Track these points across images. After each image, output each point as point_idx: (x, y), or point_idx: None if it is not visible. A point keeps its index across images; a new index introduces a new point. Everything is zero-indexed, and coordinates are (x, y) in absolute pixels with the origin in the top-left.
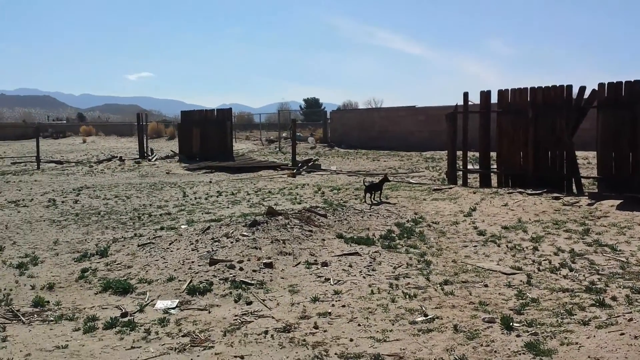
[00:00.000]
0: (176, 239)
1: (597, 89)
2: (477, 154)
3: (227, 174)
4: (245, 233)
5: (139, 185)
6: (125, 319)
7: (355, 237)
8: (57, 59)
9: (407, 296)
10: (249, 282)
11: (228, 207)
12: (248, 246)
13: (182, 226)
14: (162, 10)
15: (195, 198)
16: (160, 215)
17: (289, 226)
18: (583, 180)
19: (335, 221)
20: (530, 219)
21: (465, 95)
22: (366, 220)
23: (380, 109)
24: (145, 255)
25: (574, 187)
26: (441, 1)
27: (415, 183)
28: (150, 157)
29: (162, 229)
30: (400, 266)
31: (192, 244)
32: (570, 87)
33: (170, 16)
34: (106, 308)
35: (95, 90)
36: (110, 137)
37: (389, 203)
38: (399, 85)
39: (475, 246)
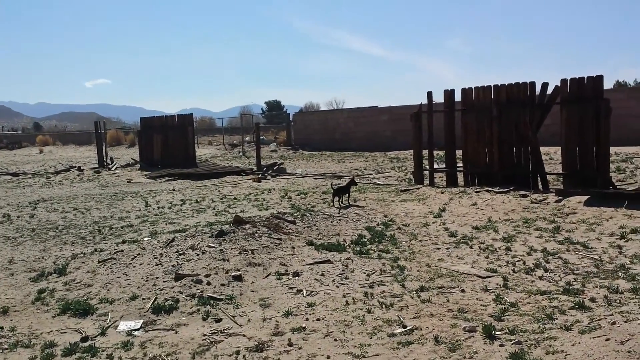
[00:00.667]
0: (139, 253)
1: (559, 85)
2: (442, 153)
3: (191, 181)
4: (211, 244)
5: (98, 196)
6: (86, 344)
7: (325, 243)
8: (9, 67)
9: (384, 306)
10: (218, 297)
11: (193, 216)
12: (215, 258)
13: (145, 239)
14: (117, 14)
15: (158, 208)
16: (122, 227)
17: (257, 235)
18: (548, 177)
19: (304, 227)
20: (500, 218)
21: (429, 94)
22: (336, 225)
23: (344, 110)
24: (106, 272)
25: (539, 183)
26: (397, 2)
27: (382, 184)
28: (110, 166)
29: (123, 242)
30: (373, 273)
31: (156, 258)
32: (533, 84)
33: (126, 21)
34: (65, 332)
35: (51, 98)
36: (68, 146)
37: (357, 206)
38: (361, 85)
39: (447, 248)
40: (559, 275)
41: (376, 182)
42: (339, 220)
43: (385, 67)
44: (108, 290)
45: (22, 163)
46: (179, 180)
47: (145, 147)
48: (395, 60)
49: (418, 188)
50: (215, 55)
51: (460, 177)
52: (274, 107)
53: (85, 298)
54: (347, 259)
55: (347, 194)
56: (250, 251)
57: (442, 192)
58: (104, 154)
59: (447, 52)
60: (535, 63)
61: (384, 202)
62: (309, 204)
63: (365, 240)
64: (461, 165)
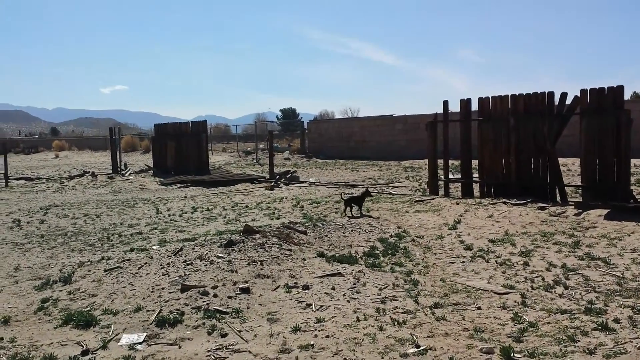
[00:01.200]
0: (146, 263)
1: (579, 95)
2: (457, 163)
3: (203, 188)
4: (220, 254)
5: (110, 202)
6: (86, 358)
7: (337, 255)
8: (28, 73)
9: (396, 323)
10: (224, 310)
11: (203, 225)
12: (223, 269)
13: (154, 247)
14: (135, 22)
15: (169, 215)
16: (131, 235)
17: (267, 245)
18: (566, 189)
19: (315, 238)
20: (517, 232)
21: (445, 103)
22: (348, 236)
23: (358, 119)
24: (112, 281)
25: (557, 195)
26: (409, 12)
27: (396, 194)
28: (123, 172)
29: (132, 250)
30: (386, 287)
31: (163, 267)
32: (551, 93)
33: (144, 28)
34: (66, 344)
35: (69, 104)
36: (83, 151)
37: (370, 217)
38: (374, 94)
39: (463, 262)
40: (580, 293)
41: (390, 192)
42: (352, 231)
43: (398, 77)
44: (112, 300)
45: (38, 168)
46: (191, 188)
47: (158, 153)
48: (408, 70)
49: (433, 199)
50: (231, 64)
51: (476, 188)
52: (289, 115)
53: (88, 309)
54: (359, 271)
55: (360, 205)
56: (259, 262)
57: (457, 203)
58: (118, 159)
59: (459, 63)
60: (548, 73)
61: (397, 213)
62: (321, 214)
63: (378, 252)
64: (477, 175)
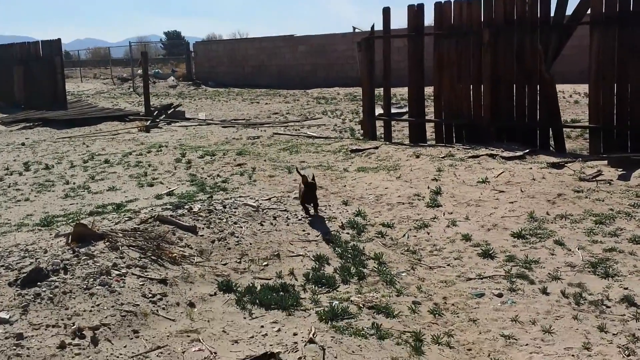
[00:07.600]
0: None
1: None
2: (400, 94)
3: (54, 129)
4: (3, 315)
5: None
6: None
7: (257, 286)
8: None
9: None
10: None
11: (28, 200)
12: None
13: None
14: None
15: None
16: None
17: (116, 273)
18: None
19: (212, 241)
20: (548, 213)
21: (386, 11)
22: (270, 231)
23: (254, 39)
24: None
25: (551, 141)
26: None
27: (317, 137)
28: None
29: None
30: None
31: None
32: None
33: None
34: None
35: None
36: None
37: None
38: (265, 15)
39: (498, 295)
40: None
41: (308, 134)
42: (274, 218)
43: None
44: None
45: None
46: (37, 129)
47: (5, 83)
48: None
49: (376, 147)
50: None
51: (429, 129)
52: (174, 38)
53: None
54: (311, 340)
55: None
56: (89, 336)
57: (417, 156)
58: None
59: None
60: None
61: (333, 173)
62: (218, 176)
63: (333, 271)
64: (433, 112)
